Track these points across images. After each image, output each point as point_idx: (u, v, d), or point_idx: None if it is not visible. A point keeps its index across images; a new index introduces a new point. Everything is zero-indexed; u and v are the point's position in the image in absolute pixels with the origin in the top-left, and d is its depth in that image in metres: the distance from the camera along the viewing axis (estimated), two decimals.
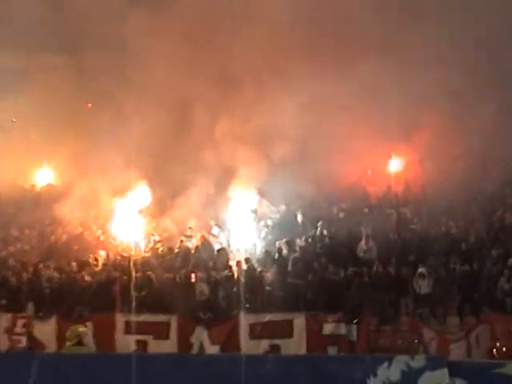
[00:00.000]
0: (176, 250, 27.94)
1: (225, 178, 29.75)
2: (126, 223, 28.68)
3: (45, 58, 33.16)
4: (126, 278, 25.81)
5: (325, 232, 27.70)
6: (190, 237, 28.70)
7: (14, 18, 31.90)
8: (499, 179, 30.33)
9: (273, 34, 29.77)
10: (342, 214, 29.02)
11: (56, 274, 27.07)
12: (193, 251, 27.88)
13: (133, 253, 27.20)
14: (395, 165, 31.78)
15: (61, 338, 23.86)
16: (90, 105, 33.44)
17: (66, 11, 31.48)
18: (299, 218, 28.61)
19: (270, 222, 28.78)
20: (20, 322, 24.91)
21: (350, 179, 30.24)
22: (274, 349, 22.30)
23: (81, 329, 13.96)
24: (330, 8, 29.93)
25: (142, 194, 29.50)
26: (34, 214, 30.58)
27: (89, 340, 13.90)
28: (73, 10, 31.32)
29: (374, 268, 25.02)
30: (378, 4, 30.38)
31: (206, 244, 28.10)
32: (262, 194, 29.49)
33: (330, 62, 29.14)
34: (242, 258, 26.58)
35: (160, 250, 28.33)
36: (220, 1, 32.16)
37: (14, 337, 24.62)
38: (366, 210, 29.29)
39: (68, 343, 13.20)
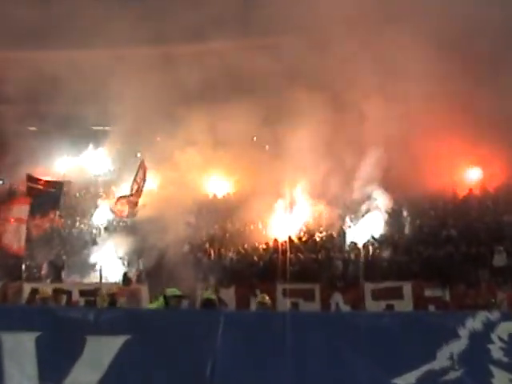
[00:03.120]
0: (317, 239, 28.01)
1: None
2: (283, 220, 28.74)
3: None
4: (282, 258, 25.97)
5: (417, 222, 27.35)
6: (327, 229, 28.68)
7: None
8: None
9: None
10: (432, 212, 28.26)
11: (233, 255, 27.49)
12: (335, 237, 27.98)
13: (287, 240, 27.25)
14: (477, 171, 30.33)
15: (238, 300, 24.43)
16: (255, 138, 33.07)
17: None
18: (404, 213, 28.19)
19: (385, 216, 28.37)
20: (210, 289, 25.27)
21: (441, 182, 28.92)
22: (390, 307, 22.06)
23: (267, 298, 14.30)
24: None
25: (297, 201, 29.39)
26: (216, 214, 30.66)
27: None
28: None
29: (461, 248, 24.63)
30: None
31: (340, 232, 28.02)
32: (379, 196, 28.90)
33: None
34: (366, 242, 26.53)
35: (305, 238, 28.41)
36: None
37: None
38: (451, 206, 28.47)
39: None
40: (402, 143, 26.47)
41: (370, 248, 26.00)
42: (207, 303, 13.27)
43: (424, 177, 27.01)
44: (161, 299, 12.86)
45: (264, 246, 28.16)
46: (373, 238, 26.86)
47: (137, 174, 29.26)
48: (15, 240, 24.15)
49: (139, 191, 29.68)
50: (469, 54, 26.15)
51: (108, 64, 34.48)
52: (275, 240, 28.06)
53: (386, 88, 27.10)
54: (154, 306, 13.17)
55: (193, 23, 32.53)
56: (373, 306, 22.53)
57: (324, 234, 28.24)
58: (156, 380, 7.65)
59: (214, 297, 13.97)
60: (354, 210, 28.92)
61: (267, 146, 30.78)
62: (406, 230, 27.16)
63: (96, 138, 36.58)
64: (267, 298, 14.70)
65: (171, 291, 12.85)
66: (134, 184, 29.40)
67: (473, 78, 25.89)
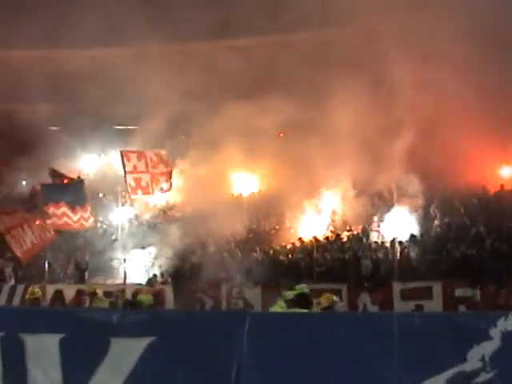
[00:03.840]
0: (344, 239, 27.94)
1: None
2: (309, 220, 28.71)
3: None
4: (308, 258, 25.97)
5: (446, 220, 27.15)
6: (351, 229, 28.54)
7: None
8: None
9: None
10: (461, 209, 28.00)
11: (259, 255, 27.46)
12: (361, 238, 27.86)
13: (313, 240, 27.22)
14: (509, 167, 30.02)
15: (264, 301, 24.40)
16: (281, 135, 32.99)
17: None
18: (433, 210, 28.03)
19: (414, 214, 28.20)
20: (235, 289, 25.29)
21: (471, 178, 28.67)
22: (419, 308, 21.97)
23: (334, 297, 13.22)
24: None
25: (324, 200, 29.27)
26: (241, 214, 30.53)
27: (340, 307, 13.40)
28: None
29: (492, 246, 24.43)
30: None
31: (367, 231, 27.95)
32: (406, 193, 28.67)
33: None
34: (394, 241, 26.38)
35: (332, 237, 28.34)
36: None
37: (232, 300, 25.02)
38: (476, 201, 28.17)
39: (319, 307, 12.54)
40: (431, 139, 26.30)
41: (398, 247, 25.90)
42: (301, 298, 12.50)
43: (454, 173, 26.83)
44: (280, 303, 12.68)
45: (290, 246, 28.17)
46: (401, 236, 26.75)
47: (124, 166, 27.62)
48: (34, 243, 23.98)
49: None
50: (505, 49, 25.87)
51: (133, 62, 34.66)
52: (301, 239, 28.06)
53: (420, 82, 26.87)
54: (275, 309, 12.81)
55: (220, 19, 32.61)
56: (401, 306, 22.47)
57: (351, 233, 28.16)
58: (181, 382, 7.64)
59: (307, 290, 12.89)
60: (382, 208, 28.82)
61: (293, 144, 30.59)
62: (435, 228, 26.99)
63: (121, 137, 36.64)
64: (335, 297, 13.88)
65: (291, 292, 12.67)
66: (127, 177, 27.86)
67: (509, 74, 25.65)
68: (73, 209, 24.97)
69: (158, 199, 32.96)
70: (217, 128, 30.98)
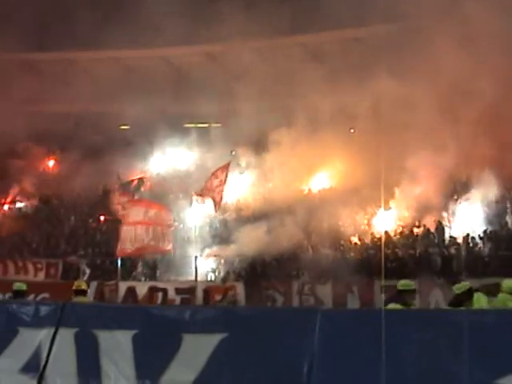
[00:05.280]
0: (415, 234, 27.61)
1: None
2: (380, 216, 28.42)
3: None
4: (379, 254, 25.78)
5: None
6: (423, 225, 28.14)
7: None
8: None
9: None
10: None
11: (330, 252, 27.34)
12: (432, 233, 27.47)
13: (384, 235, 26.98)
14: None
15: (335, 297, 24.32)
16: (352, 130, 32.67)
17: None
18: (507, 205, 27.52)
19: (486, 209, 27.67)
20: (306, 286, 25.28)
21: None
22: None
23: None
24: None
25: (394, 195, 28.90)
26: (312, 210, 30.24)
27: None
28: None
29: None
30: None
31: (438, 227, 27.54)
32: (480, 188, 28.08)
33: None
34: (466, 236, 25.99)
35: (403, 233, 28.05)
36: None
37: (304, 297, 25.00)
38: None
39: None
40: (507, 132, 25.77)
41: (471, 243, 25.52)
42: (463, 296, 12.41)
43: None
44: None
45: (361, 242, 27.96)
46: (473, 231, 26.35)
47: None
48: (132, 242, 24.03)
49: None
50: None
51: (201, 62, 34.85)
52: (373, 235, 27.84)
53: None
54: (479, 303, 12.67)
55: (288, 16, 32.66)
56: None
57: (422, 228, 27.78)
58: (253, 378, 7.65)
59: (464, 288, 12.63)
60: (454, 203, 28.38)
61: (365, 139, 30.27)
62: (508, 223, 26.52)
63: (192, 135, 36.87)
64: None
65: (458, 287, 12.60)
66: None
67: None
68: None
69: (229, 198, 33.09)
70: (288, 124, 30.99)
